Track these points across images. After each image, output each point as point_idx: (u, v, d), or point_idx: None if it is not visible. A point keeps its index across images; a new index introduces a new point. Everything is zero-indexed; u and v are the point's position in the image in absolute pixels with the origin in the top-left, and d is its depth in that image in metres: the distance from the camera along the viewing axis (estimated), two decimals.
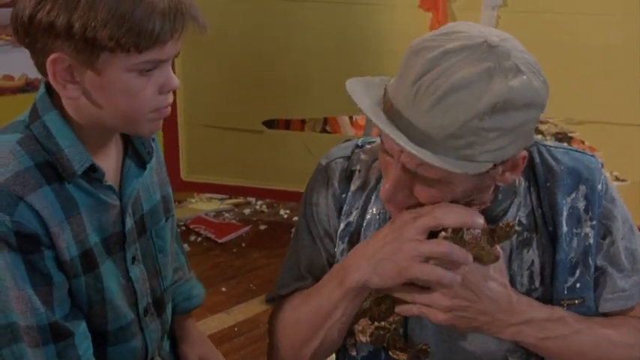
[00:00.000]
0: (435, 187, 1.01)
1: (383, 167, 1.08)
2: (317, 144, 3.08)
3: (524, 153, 1.02)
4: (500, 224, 1.04)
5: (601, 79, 2.65)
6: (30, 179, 1.05)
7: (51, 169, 1.08)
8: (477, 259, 1.04)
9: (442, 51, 0.95)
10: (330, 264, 1.22)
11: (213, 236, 3.21)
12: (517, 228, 1.04)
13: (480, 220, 1.02)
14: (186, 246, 3.13)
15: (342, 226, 1.21)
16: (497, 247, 1.06)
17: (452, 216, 1.02)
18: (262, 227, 3.32)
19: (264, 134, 3.16)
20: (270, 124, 3.23)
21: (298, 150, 3.12)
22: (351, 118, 3.71)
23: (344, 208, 1.21)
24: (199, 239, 3.21)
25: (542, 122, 4.07)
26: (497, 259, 1.06)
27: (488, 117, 0.93)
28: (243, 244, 3.18)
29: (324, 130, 3.60)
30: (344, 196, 1.21)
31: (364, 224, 1.19)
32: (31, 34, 1.02)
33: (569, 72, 2.65)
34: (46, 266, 1.08)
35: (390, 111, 0.98)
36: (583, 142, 2.99)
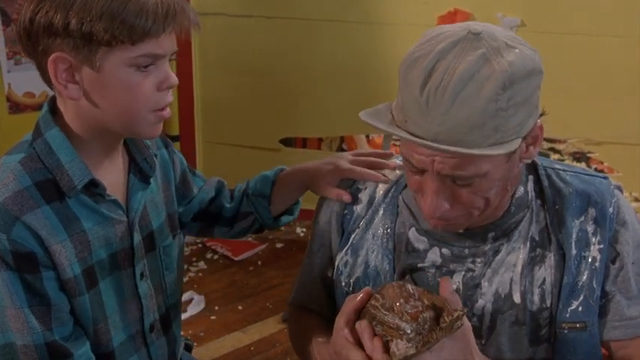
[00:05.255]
0: (475, 184, 1.03)
1: (415, 188, 1.09)
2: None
3: (540, 123, 1.06)
4: (446, 316, 0.98)
5: (620, 100, 2.64)
6: (28, 199, 1.07)
7: (51, 187, 1.09)
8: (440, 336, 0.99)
9: (435, 53, 0.99)
10: (323, 277, 1.30)
11: (229, 254, 3.21)
12: (462, 314, 0.98)
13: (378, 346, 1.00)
14: (202, 263, 3.14)
15: (347, 240, 1.25)
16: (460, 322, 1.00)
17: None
18: (279, 245, 3.32)
19: (281, 152, 3.16)
20: (287, 142, 3.23)
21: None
22: (367, 136, 3.71)
23: (349, 225, 1.25)
24: (216, 257, 3.21)
25: (560, 142, 4.05)
26: (458, 329, 0.99)
27: (501, 96, 0.97)
28: (260, 262, 3.18)
29: (340, 149, 3.61)
30: (346, 212, 1.26)
31: (370, 239, 1.22)
32: (33, 37, 1.06)
33: (588, 92, 2.64)
34: (43, 287, 1.08)
35: (408, 125, 1.01)
36: (602, 163, 2.97)
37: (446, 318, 0.97)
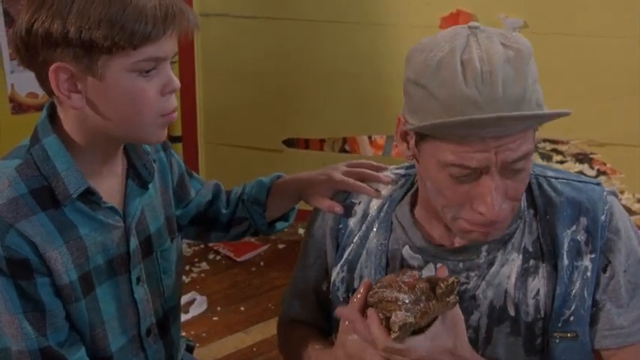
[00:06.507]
0: (524, 169, 1.03)
1: (462, 200, 1.05)
2: (336, 163, 3.08)
3: None
4: (441, 282, 1.01)
5: (623, 101, 2.63)
6: (23, 206, 1.06)
7: (47, 195, 1.08)
8: (436, 312, 1.02)
9: (457, 50, 1.00)
10: (317, 291, 1.29)
11: (232, 255, 3.21)
12: (457, 281, 1.01)
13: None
14: (204, 264, 3.14)
15: (341, 255, 1.23)
16: (452, 296, 1.02)
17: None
18: (281, 246, 3.32)
19: (283, 153, 3.16)
20: (289, 143, 3.24)
21: (317, 169, 3.12)
22: (370, 137, 3.71)
23: (343, 239, 1.24)
24: (218, 257, 3.21)
25: (563, 143, 4.05)
26: (454, 305, 1.03)
27: (529, 71, 0.99)
28: (262, 263, 3.18)
29: (343, 150, 3.60)
30: (340, 226, 1.25)
31: (364, 254, 1.21)
32: (31, 48, 1.03)
33: (590, 94, 2.64)
34: (37, 293, 1.08)
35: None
36: (604, 164, 2.97)
37: (441, 284, 1.00)
